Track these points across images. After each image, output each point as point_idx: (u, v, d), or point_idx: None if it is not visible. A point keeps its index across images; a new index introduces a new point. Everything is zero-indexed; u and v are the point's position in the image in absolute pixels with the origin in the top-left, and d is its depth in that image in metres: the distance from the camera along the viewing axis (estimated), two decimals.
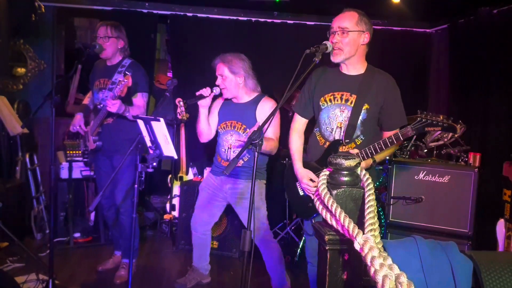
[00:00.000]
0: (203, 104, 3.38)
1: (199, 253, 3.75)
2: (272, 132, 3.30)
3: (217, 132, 3.56)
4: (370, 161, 2.54)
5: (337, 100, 2.63)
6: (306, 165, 2.75)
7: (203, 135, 3.53)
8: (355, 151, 2.54)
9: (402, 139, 2.40)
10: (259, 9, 5.38)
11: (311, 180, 2.67)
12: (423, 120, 2.29)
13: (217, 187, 3.52)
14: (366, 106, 2.56)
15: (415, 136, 4.18)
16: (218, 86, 3.35)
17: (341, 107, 2.61)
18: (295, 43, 5.24)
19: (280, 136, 3.39)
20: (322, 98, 2.69)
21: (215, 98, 3.44)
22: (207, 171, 4.58)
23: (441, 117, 2.25)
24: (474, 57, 4.64)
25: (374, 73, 2.62)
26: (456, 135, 2.21)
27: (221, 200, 3.55)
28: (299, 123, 2.88)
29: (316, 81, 2.75)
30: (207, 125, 3.49)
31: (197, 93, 3.32)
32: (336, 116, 2.63)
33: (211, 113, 3.52)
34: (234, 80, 3.34)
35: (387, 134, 2.57)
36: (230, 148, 3.41)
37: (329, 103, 2.66)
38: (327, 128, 2.67)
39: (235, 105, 3.46)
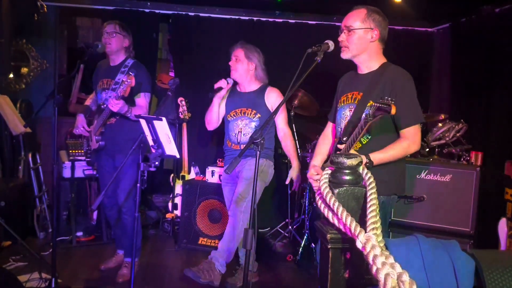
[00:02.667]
0: (219, 95, 3.63)
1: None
2: (283, 118, 3.60)
3: (225, 121, 3.74)
4: (364, 160, 2.31)
5: (348, 100, 2.61)
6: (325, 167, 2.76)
7: (212, 123, 3.75)
8: (342, 146, 2.48)
9: (364, 127, 2.25)
10: (261, 9, 5.38)
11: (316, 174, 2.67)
12: (373, 105, 2.16)
13: (231, 177, 3.66)
14: (370, 102, 2.40)
15: None
16: (230, 67, 3.60)
17: (350, 106, 2.58)
18: (297, 42, 5.24)
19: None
20: (339, 101, 2.70)
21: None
22: (209, 170, 4.59)
23: (388, 100, 2.11)
24: (476, 56, 4.63)
25: (385, 69, 2.53)
26: (392, 113, 2.10)
27: None
28: (327, 127, 2.94)
29: (339, 87, 2.79)
30: (218, 114, 3.72)
31: (216, 86, 3.57)
32: (345, 116, 2.60)
33: None
34: (246, 65, 3.60)
35: (402, 133, 2.45)
36: (240, 131, 3.57)
37: (342, 104, 2.66)
38: (338, 128, 2.66)
39: (242, 93, 3.67)
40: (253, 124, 3.58)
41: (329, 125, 2.93)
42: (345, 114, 2.61)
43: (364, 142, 2.50)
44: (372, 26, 2.50)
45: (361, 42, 2.51)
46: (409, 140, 2.43)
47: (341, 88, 2.77)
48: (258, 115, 3.57)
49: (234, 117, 3.64)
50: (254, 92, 3.65)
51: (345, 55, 2.56)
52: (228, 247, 3.54)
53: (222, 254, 3.52)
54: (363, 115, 2.23)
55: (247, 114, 3.60)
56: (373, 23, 2.50)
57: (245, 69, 3.61)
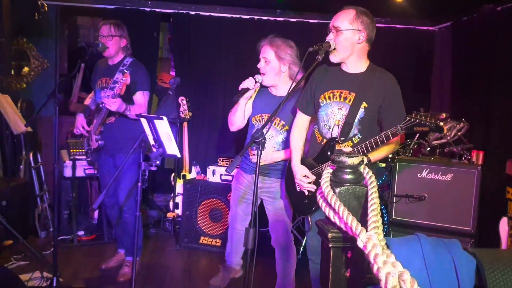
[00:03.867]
0: (246, 96, 3.16)
1: (235, 249, 3.64)
2: None
3: (249, 122, 3.33)
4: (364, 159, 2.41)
5: (336, 98, 2.62)
6: (302, 161, 2.75)
7: (236, 125, 3.33)
8: (349, 149, 2.52)
9: (392, 138, 2.35)
10: (262, 7, 5.38)
11: (305, 177, 2.67)
12: (412, 120, 2.22)
13: (249, 185, 3.37)
14: (364, 104, 2.54)
15: (418, 134, 4.20)
16: (259, 73, 3.14)
17: (340, 105, 2.60)
18: (298, 41, 5.21)
19: None
20: (322, 96, 2.68)
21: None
22: (210, 169, 4.59)
23: (429, 117, 2.17)
24: (478, 55, 4.62)
25: (375, 72, 2.59)
26: (443, 135, 2.17)
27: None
28: (300, 120, 2.85)
29: (317, 79, 2.74)
30: (243, 115, 3.28)
31: (241, 87, 3.09)
32: (334, 114, 2.61)
33: None
34: (278, 66, 3.11)
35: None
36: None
37: (328, 101, 2.65)
38: (325, 126, 2.66)
39: (273, 97, 3.22)
40: (280, 138, 3.16)
41: (302, 117, 2.84)
42: (334, 111, 2.62)
43: (355, 141, 2.59)
44: (360, 28, 2.51)
45: (348, 43, 2.53)
46: (396, 142, 2.60)
47: (322, 81, 2.72)
48: (286, 127, 3.12)
49: (260, 123, 3.21)
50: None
51: (333, 58, 2.57)
52: (285, 279, 3.44)
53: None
54: (393, 127, 2.32)
55: (275, 124, 3.15)
56: (361, 25, 2.52)
57: (276, 72, 3.11)
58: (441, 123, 2.16)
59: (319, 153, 2.67)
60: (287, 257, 3.42)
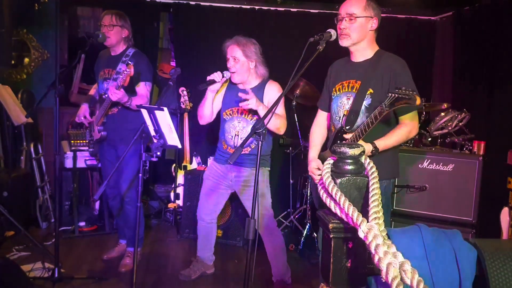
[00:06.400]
0: (212, 89, 3.34)
1: (204, 243, 3.74)
2: (279, 110, 3.27)
3: (220, 118, 3.50)
4: (369, 147, 2.40)
5: (345, 89, 2.63)
6: (321, 156, 2.78)
7: (204, 118, 3.50)
8: (349, 135, 2.49)
9: (379, 117, 2.29)
10: None
11: (317, 169, 2.69)
12: (392, 95, 2.18)
13: (222, 176, 3.50)
14: (370, 90, 2.51)
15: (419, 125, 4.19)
16: (228, 69, 3.29)
17: (348, 95, 2.60)
18: (299, 31, 5.21)
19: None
20: (333, 89, 2.71)
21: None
22: (211, 160, 4.59)
23: (408, 91, 2.13)
24: (479, 45, 4.61)
25: (381, 57, 2.57)
26: (416, 104, 2.12)
27: (226, 188, 3.54)
28: (319, 116, 2.95)
29: (330, 74, 2.80)
30: (211, 109, 3.45)
31: (208, 78, 3.25)
32: (343, 104, 2.62)
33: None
34: (246, 64, 3.28)
35: (401, 119, 2.52)
36: (238, 135, 3.36)
37: (338, 93, 2.67)
38: (336, 117, 2.68)
39: (242, 91, 3.33)
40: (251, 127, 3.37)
41: (321, 114, 2.94)
42: (343, 102, 2.63)
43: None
44: (372, 15, 2.53)
45: (362, 30, 2.53)
46: (409, 126, 2.52)
47: (333, 76, 2.78)
48: (256, 117, 3.29)
49: (230, 116, 3.39)
50: (252, 89, 3.31)
51: (344, 42, 2.56)
52: (278, 265, 3.52)
53: (279, 274, 3.54)
54: (379, 106, 2.26)
55: (244, 115, 3.34)
56: (373, 12, 2.54)
57: (245, 70, 3.29)
58: (415, 93, 2.12)
59: (331, 144, 2.68)
60: (274, 241, 3.47)
